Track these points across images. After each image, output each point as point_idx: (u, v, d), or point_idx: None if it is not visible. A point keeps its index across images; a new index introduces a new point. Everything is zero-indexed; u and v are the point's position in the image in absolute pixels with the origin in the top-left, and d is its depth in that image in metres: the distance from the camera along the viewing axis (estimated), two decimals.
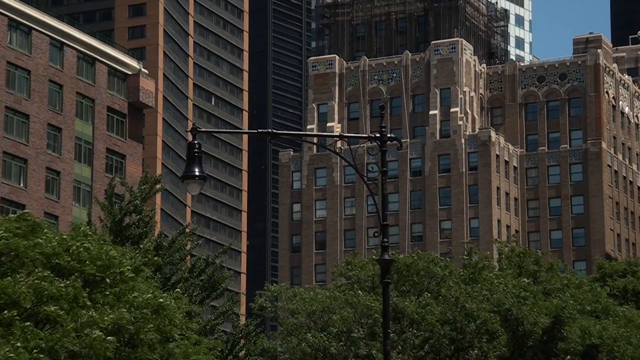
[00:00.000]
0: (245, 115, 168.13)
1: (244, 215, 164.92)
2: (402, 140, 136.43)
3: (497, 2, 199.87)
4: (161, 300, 31.68)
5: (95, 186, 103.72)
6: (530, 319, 39.11)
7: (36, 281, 29.17)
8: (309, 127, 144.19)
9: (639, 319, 41.17)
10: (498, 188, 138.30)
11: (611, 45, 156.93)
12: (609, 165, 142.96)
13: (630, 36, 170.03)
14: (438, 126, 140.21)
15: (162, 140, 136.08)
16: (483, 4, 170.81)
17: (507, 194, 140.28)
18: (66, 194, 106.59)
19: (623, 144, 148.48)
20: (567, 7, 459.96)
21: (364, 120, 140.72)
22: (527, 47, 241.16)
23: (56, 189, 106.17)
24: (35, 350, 27.91)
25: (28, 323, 28.45)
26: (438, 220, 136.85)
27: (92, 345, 28.57)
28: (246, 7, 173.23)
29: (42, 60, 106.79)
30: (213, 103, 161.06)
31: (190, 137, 25.31)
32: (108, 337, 28.95)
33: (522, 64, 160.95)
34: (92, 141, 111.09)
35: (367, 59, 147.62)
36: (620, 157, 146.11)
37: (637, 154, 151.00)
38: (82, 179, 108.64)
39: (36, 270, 29.65)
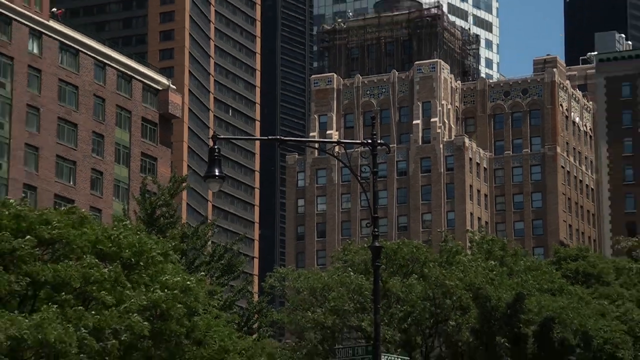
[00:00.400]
0: (257, 124, 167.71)
1: (256, 209, 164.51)
2: (390, 146, 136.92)
3: (469, 29, 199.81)
4: (188, 282, 31.76)
5: (132, 184, 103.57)
6: (496, 295, 39.15)
7: (84, 266, 29.16)
8: (311, 134, 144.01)
9: (587, 296, 41.23)
10: (471, 186, 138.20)
11: (565, 65, 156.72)
12: (562, 166, 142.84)
13: (580, 57, 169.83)
14: (420, 134, 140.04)
15: (188, 146, 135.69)
16: (458, 30, 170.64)
17: (478, 191, 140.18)
18: (107, 191, 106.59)
19: (574, 148, 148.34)
20: (528, 33, 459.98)
21: (358, 128, 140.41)
22: (495, 66, 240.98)
23: (99, 186, 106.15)
24: (83, 329, 27.93)
25: (80, 307, 28.38)
26: (420, 213, 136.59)
27: (132, 326, 28.64)
28: (258, 33, 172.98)
29: (87, 77, 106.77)
30: (230, 114, 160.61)
31: (211, 143, 25.40)
32: (144, 323, 28.97)
33: (490, 81, 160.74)
34: (129, 146, 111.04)
35: (361, 77, 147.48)
36: (571, 159, 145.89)
37: (585, 157, 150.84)
38: (121, 178, 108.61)
39: (84, 256, 29.62)
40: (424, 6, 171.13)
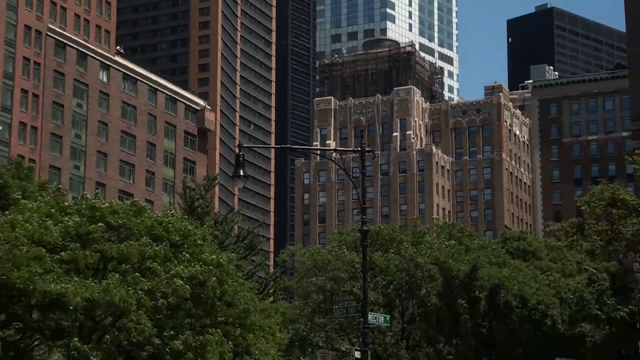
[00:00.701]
0: (273, 136, 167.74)
1: (272, 201, 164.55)
2: (375, 152, 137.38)
3: (435, 63, 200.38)
4: (220, 259, 31.74)
5: (176, 182, 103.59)
6: (456, 267, 39.06)
7: (141, 245, 29.23)
8: (314, 143, 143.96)
9: (524, 268, 41.19)
10: (437, 184, 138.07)
11: (508, 91, 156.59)
12: (506, 169, 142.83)
13: (520, 84, 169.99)
14: (398, 143, 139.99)
15: (219, 152, 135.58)
16: (427, 64, 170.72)
17: (442, 187, 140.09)
18: (158, 187, 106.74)
19: (515, 154, 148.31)
20: (480, 66, 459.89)
21: (350, 139, 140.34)
22: (455, 92, 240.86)
23: (152, 184, 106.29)
24: (140, 292, 27.99)
25: (137, 274, 28.42)
26: (398, 205, 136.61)
27: (176, 289, 28.62)
28: (274, 66, 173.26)
29: (143, 100, 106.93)
30: (252, 128, 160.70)
31: (237, 150, 25.44)
32: (186, 286, 28.97)
33: (452, 103, 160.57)
34: (174, 153, 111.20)
35: (352, 99, 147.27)
36: (513, 163, 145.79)
37: (523, 161, 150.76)
38: (168, 177, 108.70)
39: (141, 237, 29.69)
40: (401, 45, 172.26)
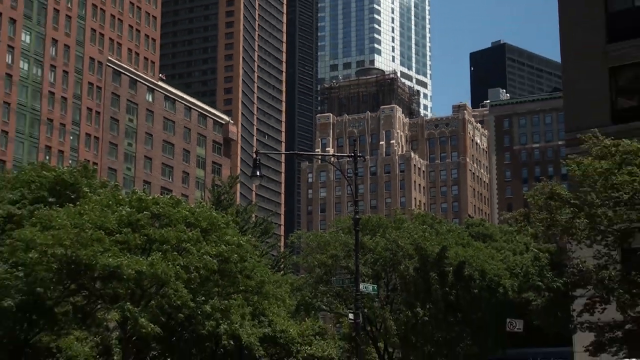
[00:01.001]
0: (283, 145, 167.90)
1: (282, 196, 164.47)
2: (365, 157, 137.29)
3: (413, 86, 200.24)
4: (241, 241, 31.64)
5: (206, 181, 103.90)
6: (429, 248, 39.03)
7: (178, 230, 29.23)
8: (316, 150, 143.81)
9: (484, 248, 41.00)
10: (414, 182, 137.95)
11: (471, 109, 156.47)
12: (470, 170, 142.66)
13: (480, 104, 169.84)
14: (384, 150, 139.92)
15: (240, 157, 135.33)
16: (406, 87, 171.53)
17: (419, 185, 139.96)
18: (191, 185, 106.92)
19: (477, 159, 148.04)
20: (449, 88, 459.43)
21: (345, 147, 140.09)
22: (429, 109, 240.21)
23: (187, 182, 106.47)
24: (177, 266, 27.96)
25: (175, 253, 28.37)
26: (384, 198, 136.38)
27: (206, 263, 28.58)
28: (284, 89, 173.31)
29: (179, 116, 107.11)
30: (266, 139, 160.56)
31: (254, 156, 25.48)
32: (214, 261, 28.91)
33: (426, 119, 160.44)
34: (205, 157, 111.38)
35: (347, 116, 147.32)
36: (475, 166, 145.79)
37: (483, 164, 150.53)
38: (200, 177, 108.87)
39: (178, 224, 29.67)
40: (386, 73, 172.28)
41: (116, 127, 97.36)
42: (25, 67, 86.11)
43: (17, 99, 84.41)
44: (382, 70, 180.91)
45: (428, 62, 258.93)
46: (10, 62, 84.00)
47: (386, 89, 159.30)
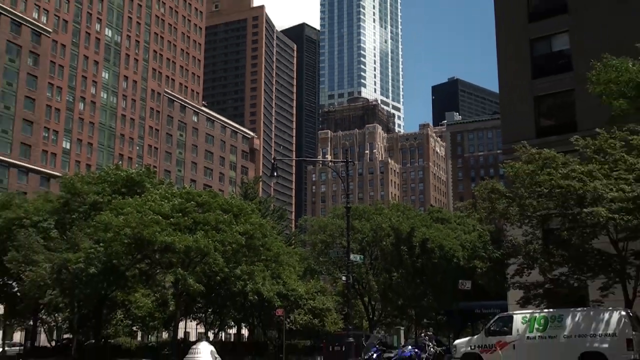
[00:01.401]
0: (294, 153, 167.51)
1: (293, 190, 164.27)
2: (354, 162, 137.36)
3: (390, 110, 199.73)
4: (262, 222, 31.47)
5: (236, 180, 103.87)
6: (402, 228, 38.89)
7: (216, 214, 28.97)
8: (318, 157, 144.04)
9: (442, 229, 40.70)
10: (391, 180, 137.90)
11: (432, 127, 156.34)
12: (432, 172, 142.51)
13: (439, 122, 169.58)
14: (368, 157, 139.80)
15: (262, 162, 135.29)
16: (385, 111, 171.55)
17: (395, 182, 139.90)
18: (225, 182, 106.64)
19: (437, 164, 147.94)
20: (416, 112, 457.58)
21: (340, 154, 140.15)
22: (402, 127, 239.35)
23: (223, 180, 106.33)
24: (215, 241, 27.67)
25: (214, 232, 28.01)
26: (368, 193, 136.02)
27: (236, 239, 28.34)
28: (294, 112, 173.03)
29: (217, 132, 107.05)
30: (281, 149, 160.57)
31: (272, 161, 25.44)
32: (242, 237, 28.62)
33: (400, 134, 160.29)
34: (236, 162, 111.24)
35: (341, 132, 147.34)
36: (436, 169, 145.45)
37: (443, 168, 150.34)
38: (232, 177, 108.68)
39: (216, 211, 29.44)
40: (370, 101, 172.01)
41: (170, 140, 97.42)
42: (105, 96, 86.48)
43: (99, 119, 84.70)
44: (367, 99, 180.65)
45: (401, 93, 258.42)
46: (94, 92, 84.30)
47: (370, 112, 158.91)
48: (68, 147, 79.84)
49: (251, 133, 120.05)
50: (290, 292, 32.63)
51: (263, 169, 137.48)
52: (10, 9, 71.62)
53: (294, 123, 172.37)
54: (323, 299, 36.30)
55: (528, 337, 16.49)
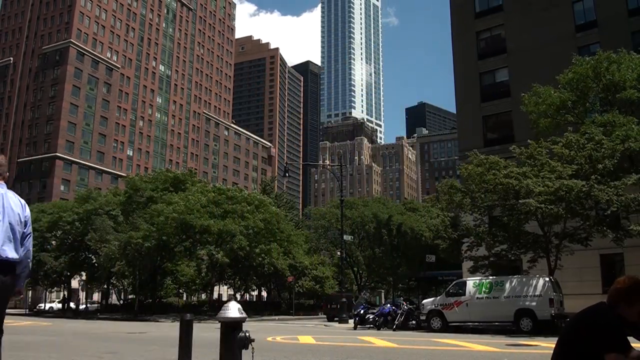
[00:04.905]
0: (301, 159, 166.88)
1: (300, 187, 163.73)
2: (347, 166, 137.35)
3: (374, 126, 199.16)
4: (277, 211, 31.36)
5: (257, 179, 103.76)
6: (383, 216, 38.71)
7: (241, 205, 28.94)
8: (319, 161, 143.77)
9: (414, 215, 40.00)
10: (375, 180, 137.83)
11: (406, 139, 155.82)
12: (406, 173, 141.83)
13: (411, 136, 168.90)
14: (357, 162, 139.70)
15: (277, 166, 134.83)
16: (369, 127, 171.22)
17: (377, 181, 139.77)
18: (249, 181, 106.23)
19: (410, 168, 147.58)
20: (394, 128, 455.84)
21: (335, 160, 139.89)
22: (382, 139, 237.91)
23: (247, 179, 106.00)
24: (241, 226, 27.68)
25: (239, 219, 27.83)
26: (357, 189, 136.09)
27: (257, 224, 28.36)
28: (301, 128, 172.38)
29: (243, 143, 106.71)
30: (292, 156, 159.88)
31: (285, 165, 25.45)
32: (261, 223, 28.60)
33: (381, 144, 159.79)
34: (257, 166, 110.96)
35: (336, 142, 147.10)
36: (409, 171, 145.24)
37: (414, 170, 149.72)
38: (254, 177, 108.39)
39: (242, 202, 29.40)
40: (358, 120, 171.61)
41: (207, 149, 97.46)
42: (158, 116, 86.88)
43: (154, 133, 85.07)
44: (356, 118, 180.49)
45: (382, 113, 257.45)
46: (150, 113, 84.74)
47: (358, 128, 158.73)
48: (131, 154, 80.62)
49: (268, 144, 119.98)
50: (298, 264, 32.74)
51: (277, 171, 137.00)
52: (91, 50, 73.81)
53: (301, 136, 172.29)
54: (323, 269, 36.38)
55: (477, 297, 16.94)
